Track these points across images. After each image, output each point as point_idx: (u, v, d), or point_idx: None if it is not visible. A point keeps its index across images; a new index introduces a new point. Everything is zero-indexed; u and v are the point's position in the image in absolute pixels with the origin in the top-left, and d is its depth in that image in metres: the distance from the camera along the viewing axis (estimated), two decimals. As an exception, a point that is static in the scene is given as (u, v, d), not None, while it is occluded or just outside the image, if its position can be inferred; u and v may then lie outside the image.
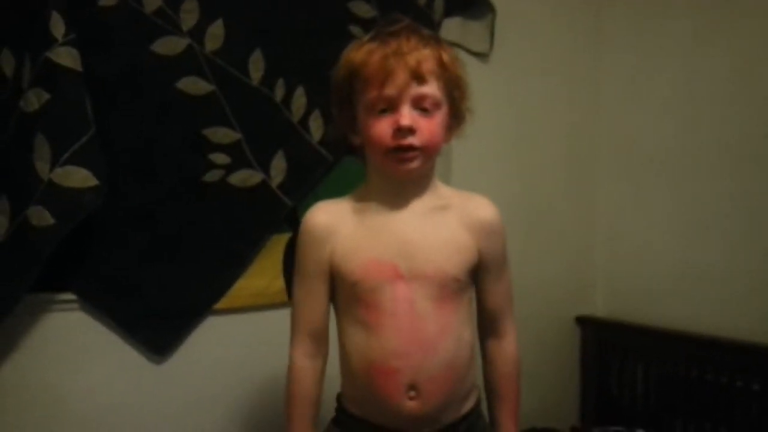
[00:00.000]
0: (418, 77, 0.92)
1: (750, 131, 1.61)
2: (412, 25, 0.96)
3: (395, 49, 0.91)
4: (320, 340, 1.04)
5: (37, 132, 1.12)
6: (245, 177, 1.37)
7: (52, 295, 1.24)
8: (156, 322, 1.31)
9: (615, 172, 1.90)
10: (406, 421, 0.98)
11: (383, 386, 0.97)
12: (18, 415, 1.21)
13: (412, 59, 0.91)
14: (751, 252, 1.60)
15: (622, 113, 1.88)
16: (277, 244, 1.43)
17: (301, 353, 1.03)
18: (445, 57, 0.95)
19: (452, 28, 1.63)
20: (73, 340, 1.25)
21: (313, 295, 1.02)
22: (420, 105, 0.94)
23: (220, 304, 1.37)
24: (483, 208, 1.04)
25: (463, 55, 1.63)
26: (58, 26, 1.12)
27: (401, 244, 0.98)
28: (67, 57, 1.12)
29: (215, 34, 1.32)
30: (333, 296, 1.04)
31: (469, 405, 1.04)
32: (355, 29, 1.44)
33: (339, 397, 1.06)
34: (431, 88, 0.94)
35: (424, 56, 0.92)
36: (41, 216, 1.11)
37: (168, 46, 1.28)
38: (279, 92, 1.40)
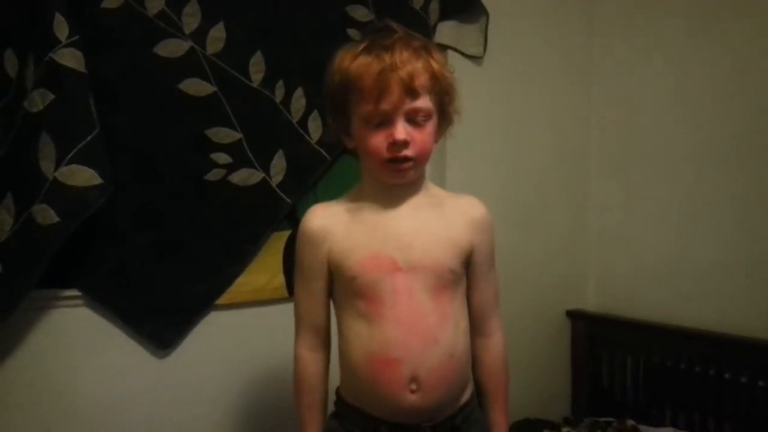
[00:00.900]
0: (412, 92, 0.96)
1: (741, 128, 1.62)
2: (404, 36, 0.99)
3: (390, 65, 0.95)
4: (322, 333, 1.08)
5: (41, 132, 1.13)
6: (246, 176, 1.39)
7: (57, 292, 1.26)
8: (159, 318, 1.32)
9: (606, 168, 1.93)
10: (406, 414, 1.00)
11: (384, 378, 0.98)
12: (23, 410, 1.22)
13: (406, 75, 0.95)
14: (739, 247, 1.63)
15: (614, 112, 1.90)
16: (278, 241, 1.46)
17: (304, 347, 1.07)
18: (436, 67, 0.99)
19: (447, 31, 1.65)
20: (77, 335, 1.27)
21: (313, 293, 1.06)
22: (413, 118, 0.98)
23: (223, 300, 1.40)
24: (474, 207, 1.08)
25: (457, 58, 1.67)
26: (61, 28, 1.13)
27: (398, 237, 1.01)
28: (70, 58, 1.14)
29: (217, 36, 1.34)
30: (332, 292, 1.07)
31: (465, 397, 1.06)
32: (353, 32, 1.47)
33: (338, 391, 1.09)
34: (424, 102, 0.98)
35: (417, 71, 0.96)
36: (46, 214, 1.13)
37: (170, 48, 1.30)
38: (279, 93, 1.42)
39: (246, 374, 1.43)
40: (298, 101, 1.44)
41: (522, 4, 1.80)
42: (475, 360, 1.10)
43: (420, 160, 1.00)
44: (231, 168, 1.38)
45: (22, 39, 1.15)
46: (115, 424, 1.30)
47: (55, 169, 1.13)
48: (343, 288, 1.04)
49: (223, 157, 1.37)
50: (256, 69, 1.38)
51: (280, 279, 1.46)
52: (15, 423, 1.22)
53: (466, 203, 1.09)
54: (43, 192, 1.13)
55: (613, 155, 1.91)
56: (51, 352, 1.24)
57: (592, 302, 1.96)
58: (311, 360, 1.07)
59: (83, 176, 1.15)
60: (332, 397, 1.09)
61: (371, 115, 0.97)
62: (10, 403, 1.21)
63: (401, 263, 1.00)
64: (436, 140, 1.04)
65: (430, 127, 1.00)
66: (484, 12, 1.69)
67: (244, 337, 1.42)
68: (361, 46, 0.98)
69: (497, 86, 1.74)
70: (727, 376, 1.58)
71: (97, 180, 1.16)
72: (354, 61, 0.98)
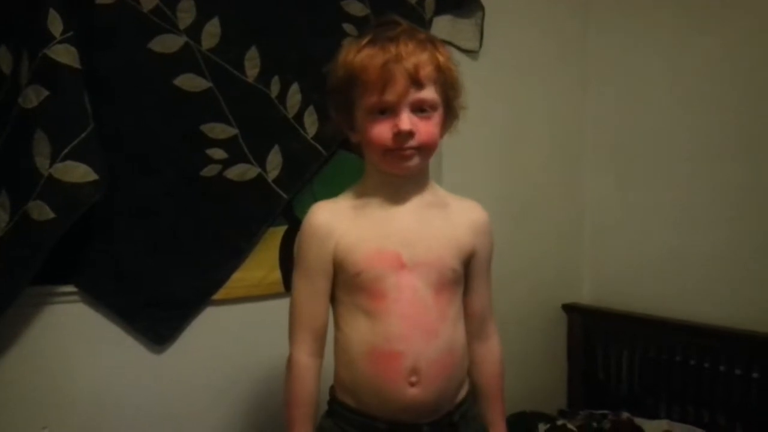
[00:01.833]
0: (417, 83, 0.95)
1: (736, 121, 1.63)
2: (409, 29, 0.99)
3: (395, 55, 0.94)
4: (321, 338, 1.05)
5: (36, 128, 1.12)
6: (242, 171, 1.39)
7: (53, 288, 1.25)
8: (156, 313, 1.33)
9: (602, 161, 1.93)
10: (405, 410, 0.99)
11: (385, 370, 0.98)
12: (19, 406, 1.22)
13: (411, 65, 0.94)
14: (735, 240, 1.63)
15: (610, 106, 1.91)
16: (274, 237, 1.46)
17: (303, 352, 1.03)
18: (442, 59, 0.98)
19: (442, 25, 1.65)
20: (73, 331, 1.27)
21: (316, 293, 1.03)
22: (418, 108, 0.97)
23: (219, 295, 1.40)
24: (476, 211, 1.09)
25: (453, 53, 1.66)
26: (55, 24, 1.12)
27: (403, 233, 1.01)
28: (65, 54, 1.13)
29: (211, 32, 1.33)
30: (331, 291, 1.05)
31: (462, 394, 1.07)
32: (348, 27, 1.46)
33: (332, 390, 1.07)
34: (429, 93, 0.97)
35: (422, 62, 0.95)
36: (41, 210, 1.12)
37: (165, 44, 1.29)
38: (274, 89, 1.41)
39: (242, 368, 1.43)
40: (294, 96, 1.44)
41: (518, -1, 1.79)
42: (473, 363, 1.09)
43: (425, 151, 0.99)
44: (227, 163, 1.38)
45: (16, 35, 1.15)
46: (112, 419, 1.30)
47: (50, 165, 1.13)
48: (344, 285, 1.03)
49: (218, 153, 1.37)
50: (252, 64, 1.38)
51: (277, 274, 1.46)
52: (11, 419, 1.22)
53: (469, 206, 1.09)
54: (38, 188, 1.13)
55: (608, 149, 1.92)
56: (47, 349, 1.24)
57: (587, 296, 1.97)
58: (310, 367, 1.02)
59: (78, 172, 1.15)
60: (325, 396, 1.07)
61: (375, 106, 0.96)
62: (7, 399, 1.22)
63: (406, 259, 1.00)
64: (441, 134, 1.03)
65: (436, 118, 0.99)
66: (479, 6, 1.69)
67: (241, 332, 1.42)
68: (366, 39, 0.98)
69: (493, 81, 1.74)
70: (721, 368, 1.60)
71: (92, 176, 1.16)
72: (358, 54, 0.97)
